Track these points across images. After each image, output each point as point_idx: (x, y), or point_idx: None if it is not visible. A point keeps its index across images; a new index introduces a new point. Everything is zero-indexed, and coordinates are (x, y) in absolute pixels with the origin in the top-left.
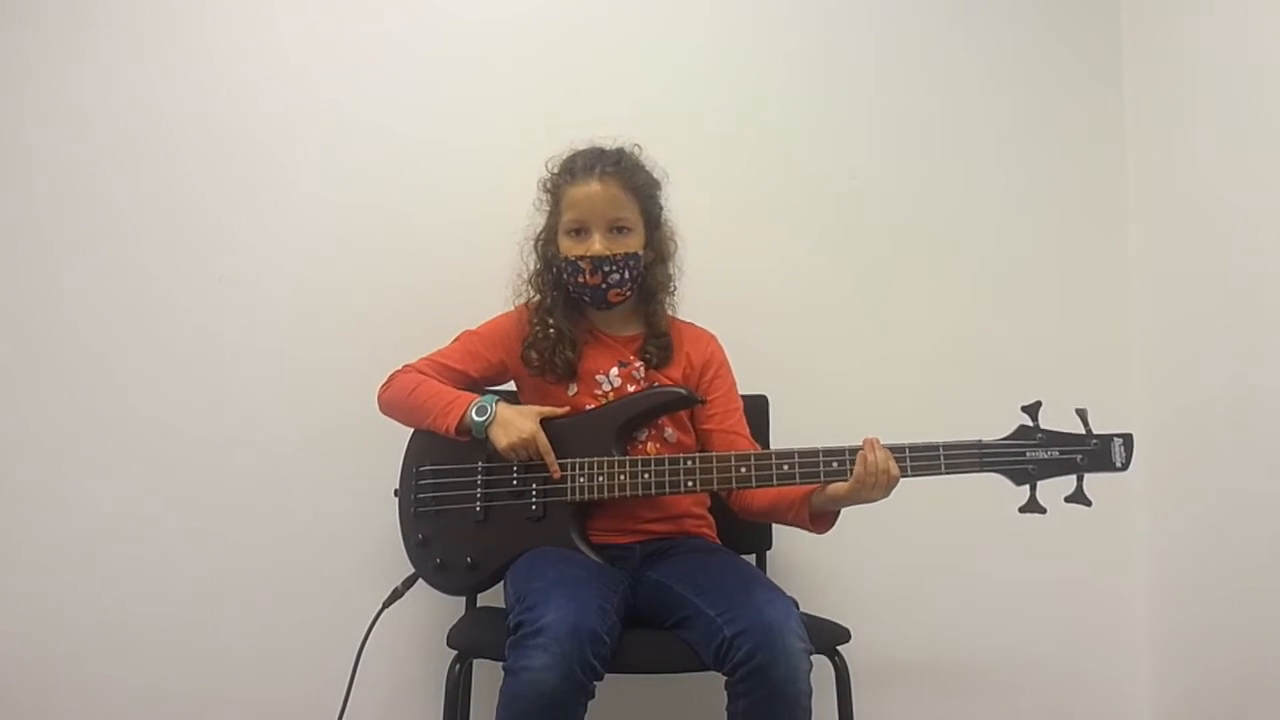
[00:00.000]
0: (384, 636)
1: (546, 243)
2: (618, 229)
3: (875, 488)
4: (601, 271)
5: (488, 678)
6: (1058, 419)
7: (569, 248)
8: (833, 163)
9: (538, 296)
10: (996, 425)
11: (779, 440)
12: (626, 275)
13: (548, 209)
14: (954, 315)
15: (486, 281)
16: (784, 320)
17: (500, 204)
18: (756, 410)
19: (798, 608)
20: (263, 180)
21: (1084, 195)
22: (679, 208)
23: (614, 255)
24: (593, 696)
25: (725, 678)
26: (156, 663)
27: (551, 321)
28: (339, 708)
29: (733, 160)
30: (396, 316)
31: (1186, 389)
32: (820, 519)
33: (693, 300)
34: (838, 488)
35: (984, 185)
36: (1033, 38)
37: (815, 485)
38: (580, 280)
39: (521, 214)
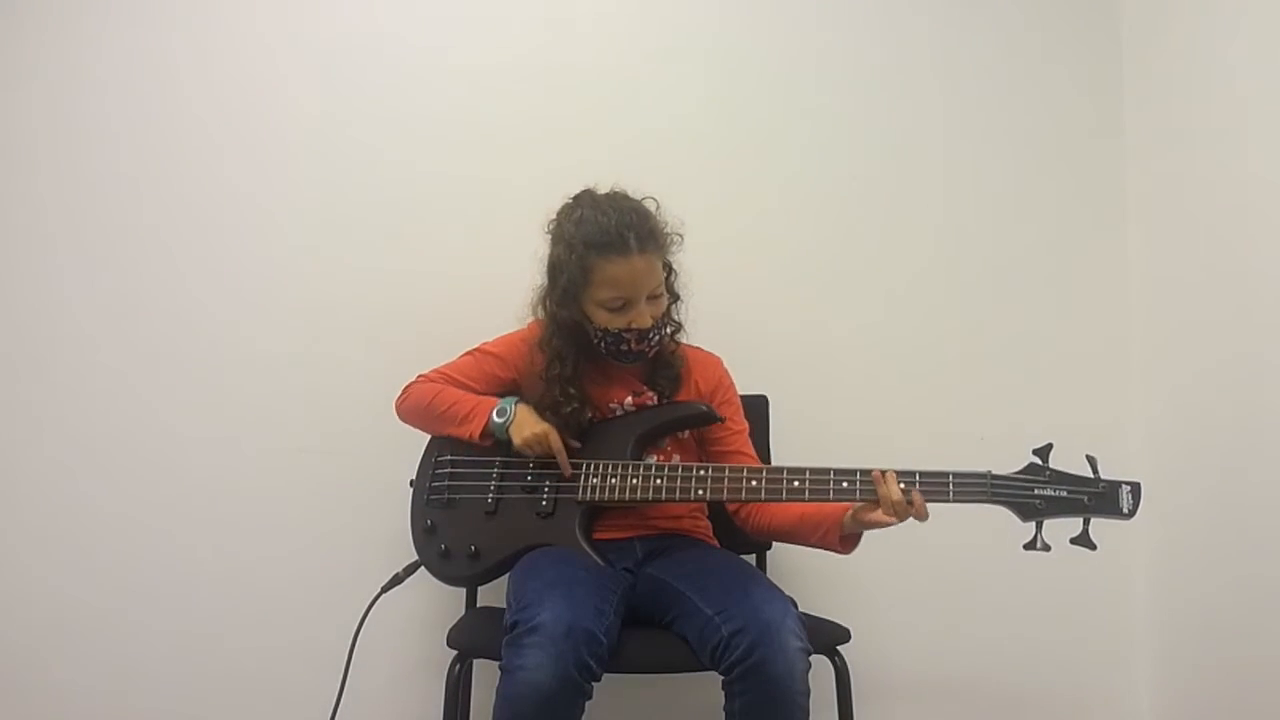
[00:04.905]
0: (384, 636)
1: (563, 308)
2: (655, 295)
3: (901, 518)
4: (647, 340)
5: (488, 678)
6: (1059, 422)
7: (608, 320)
8: (832, 165)
9: (548, 357)
10: (995, 426)
11: (779, 441)
12: (664, 333)
13: (563, 277)
14: (953, 315)
15: (500, 284)
16: (785, 321)
17: (509, 208)
18: (756, 410)
19: (795, 607)
20: (270, 182)
21: (1083, 197)
22: (679, 208)
23: (656, 321)
24: (590, 697)
25: (722, 677)
26: (144, 660)
27: (574, 392)
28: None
29: (733, 162)
30: (406, 310)
31: (1185, 389)
32: (847, 540)
33: (693, 301)
34: (874, 517)
35: (983, 187)
36: (1032, 40)
37: (844, 508)
38: (624, 349)
39: (530, 220)
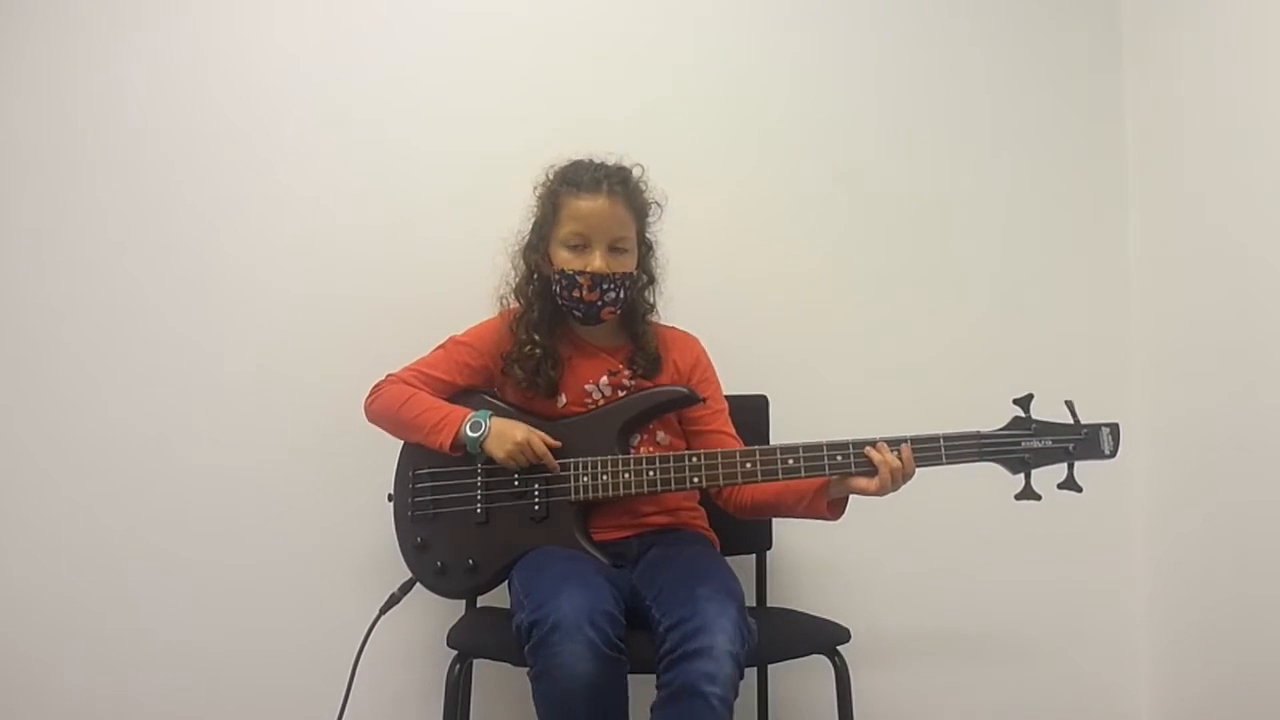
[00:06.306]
0: (383, 637)
1: (534, 250)
2: (618, 248)
3: (895, 485)
4: (600, 289)
5: (488, 678)
6: (1053, 414)
7: (566, 260)
8: (831, 162)
9: (522, 307)
10: (996, 423)
11: (778, 441)
12: (621, 294)
13: (537, 215)
14: (953, 314)
15: (480, 287)
16: (784, 320)
17: (494, 211)
18: (756, 410)
19: (741, 615)
20: (253, 186)
21: (1083, 195)
22: (681, 208)
23: (613, 274)
24: (628, 669)
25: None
26: (148, 674)
27: (537, 338)
28: (336, 715)
29: (733, 161)
30: (389, 322)
31: (1186, 389)
32: (834, 505)
33: (693, 300)
34: (864, 484)
35: (983, 185)
36: (1032, 37)
37: (825, 479)
38: (575, 295)
39: (515, 222)
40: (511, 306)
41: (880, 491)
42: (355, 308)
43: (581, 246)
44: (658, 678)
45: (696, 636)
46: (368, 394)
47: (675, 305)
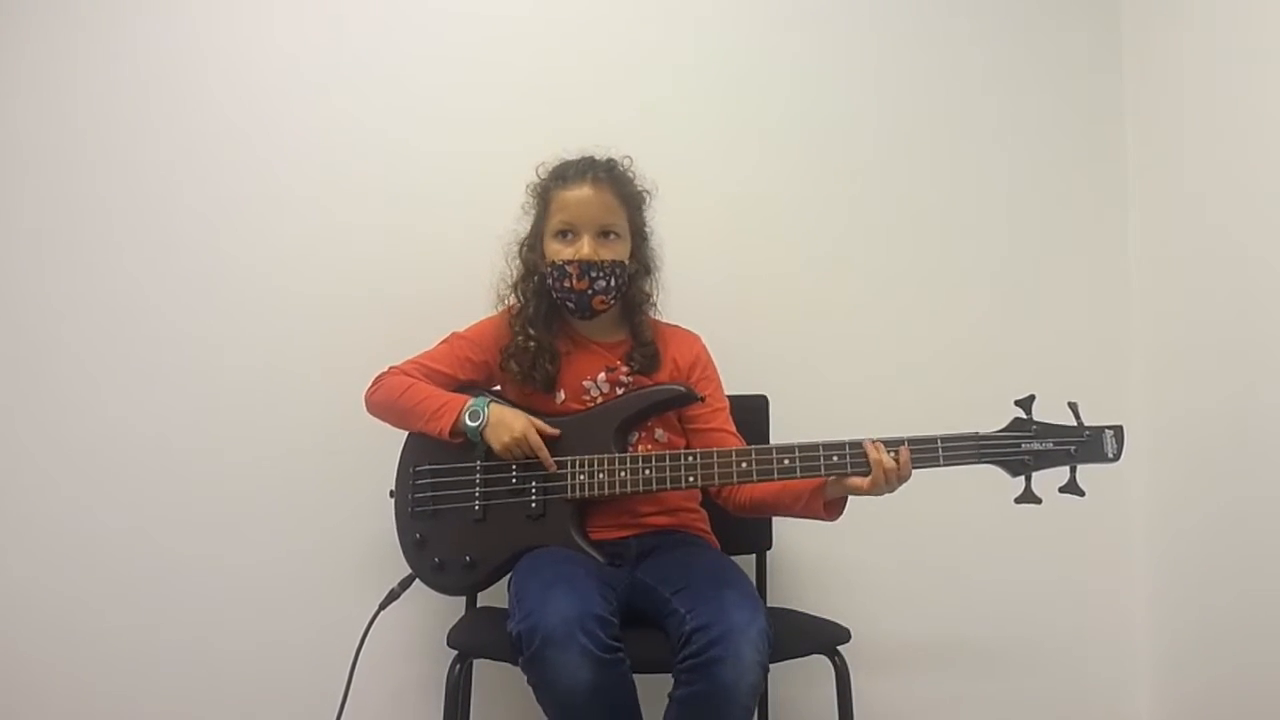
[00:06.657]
0: (384, 637)
1: (530, 248)
2: (606, 235)
3: (889, 486)
4: (589, 276)
5: (488, 678)
6: (1053, 415)
7: (556, 251)
8: (831, 162)
9: (520, 303)
10: (995, 424)
11: (779, 441)
12: (612, 283)
13: (533, 213)
14: (953, 314)
15: (480, 286)
16: (784, 320)
17: (493, 209)
18: (756, 410)
19: (767, 621)
20: (253, 186)
21: (1083, 195)
22: (681, 208)
23: (602, 261)
24: (629, 665)
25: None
26: (149, 670)
27: (532, 333)
28: (337, 710)
29: (733, 160)
30: (389, 321)
31: (1186, 389)
32: (832, 506)
33: (693, 300)
34: (857, 483)
35: (983, 185)
36: (1032, 37)
37: (822, 479)
38: (566, 285)
39: (515, 222)
40: (511, 304)
41: (873, 490)
42: (355, 307)
43: (570, 236)
44: (677, 674)
45: (723, 643)
46: (369, 385)
47: (676, 305)
